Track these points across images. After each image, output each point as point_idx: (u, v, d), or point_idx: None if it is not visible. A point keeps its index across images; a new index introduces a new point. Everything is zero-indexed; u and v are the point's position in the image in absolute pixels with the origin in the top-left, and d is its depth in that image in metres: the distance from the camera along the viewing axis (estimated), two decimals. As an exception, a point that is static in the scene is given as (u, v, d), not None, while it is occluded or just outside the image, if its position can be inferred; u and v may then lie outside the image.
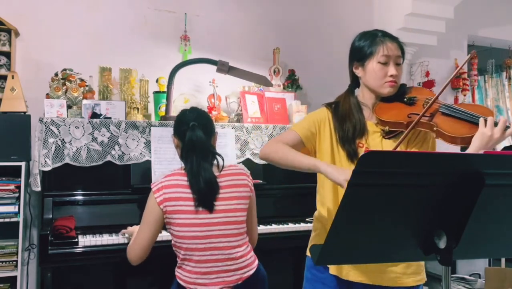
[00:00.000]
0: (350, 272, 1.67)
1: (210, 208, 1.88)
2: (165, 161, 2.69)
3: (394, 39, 1.70)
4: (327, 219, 1.73)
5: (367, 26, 4.14)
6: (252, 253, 2.02)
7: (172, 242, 1.95)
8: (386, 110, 1.69)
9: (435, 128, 1.60)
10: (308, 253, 1.82)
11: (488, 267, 3.47)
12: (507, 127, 1.53)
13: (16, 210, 2.57)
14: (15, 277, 2.59)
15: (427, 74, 4.05)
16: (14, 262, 2.60)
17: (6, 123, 2.58)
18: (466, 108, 1.62)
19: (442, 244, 1.11)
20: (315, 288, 1.76)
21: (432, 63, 4.03)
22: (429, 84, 4.03)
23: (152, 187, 1.93)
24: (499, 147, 5.04)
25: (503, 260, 3.79)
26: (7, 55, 2.83)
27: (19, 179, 2.58)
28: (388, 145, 1.68)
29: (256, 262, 2.00)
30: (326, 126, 1.72)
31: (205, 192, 1.87)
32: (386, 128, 1.68)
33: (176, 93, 3.08)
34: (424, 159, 1.04)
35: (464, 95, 4.33)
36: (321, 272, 1.73)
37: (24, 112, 2.67)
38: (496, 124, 1.53)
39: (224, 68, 2.99)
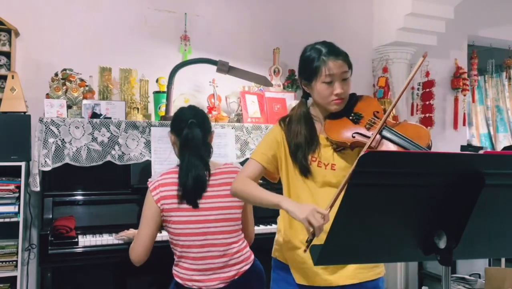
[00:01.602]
0: (315, 278, 1.68)
1: (193, 204, 1.91)
2: (165, 161, 2.68)
3: (338, 55, 1.65)
4: (287, 220, 1.75)
5: (367, 26, 4.13)
6: (248, 248, 2.05)
7: (169, 240, 1.96)
8: (333, 128, 1.69)
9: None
10: (273, 254, 1.85)
11: (488, 267, 3.47)
12: None
13: (16, 210, 2.57)
14: (15, 277, 2.59)
15: (427, 74, 4.05)
16: (14, 262, 2.60)
17: (6, 123, 2.58)
18: (408, 133, 1.60)
19: (442, 244, 1.11)
20: (279, 287, 1.79)
21: (432, 63, 4.03)
22: (429, 84, 4.03)
23: (148, 185, 1.96)
24: (499, 147, 5.05)
25: (503, 260, 3.79)
26: (7, 55, 2.83)
27: (19, 179, 2.58)
28: (340, 158, 1.68)
29: (252, 257, 2.03)
30: (281, 145, 1.73)
31: (190, 189, 1.90)
32: (334, 145, 1.70)
33: (176, 93, 3.08)
34: (424, 159, 1.04)
35: (464, 95, 4.33)
36: (285, 271, 1.76)
37: (24, 112, 2.67)
38: None
39: (224, 68, 2.99)
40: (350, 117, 1.70)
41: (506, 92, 5.12)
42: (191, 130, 1.95)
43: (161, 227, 1.98)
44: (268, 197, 1.61)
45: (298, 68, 1.77)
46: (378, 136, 1.60)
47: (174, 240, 1.94)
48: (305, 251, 1.45)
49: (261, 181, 1.77)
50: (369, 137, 1.61)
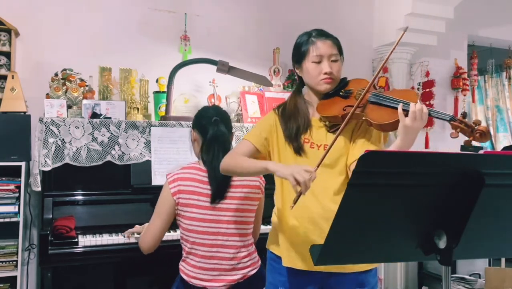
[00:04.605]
0: (303, 263, 1.69)
1: (216, 201, 1.92)
2: (165, 161, 2.69)
3: (327, 37, 1.75)
4: (281, 214, 1.80)
5: (367, 26, 4.12)
6: (256, 253, 2.05)
7: (180, 234, 1.98)
8: (325, 107, 1.75)
9: (363, 118, 1.66)
10: (267, 246, 1.87)
11: (488, 267, 3.47)
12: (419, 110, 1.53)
13: (16, 210, 2.57)
14: (15, 277, 2.59)
15: (427, 74, 4.05)
16: (14, 262, 2.60)
17: (6, 123, 2.58)
18: (395, 95, 1.65)
19: (442, 244, 1.11)
20: (273, 278, 1.81)
21: (432, 63, 4.03)
22: (429, 84, 4.03)
23: (167, 177, 1.96)
24: (499, 147, 5.04)
25: (503, 260, 3.78)
26: (7, 55, 2.82)
27: (19, 179, 2.58)
28: (332, 137, 1.69)
29: (259, 262, 2.04)
30: (273, 130, 1.79)
31: (221, 183, 1.92)
32: (327, 122, 1.74)
33: (176, 93, 3.08)
34: (424, 158, 1.04)
35: (464, 95, 4.33)
36: (277, 262, 1.78)
37: (24, 112, 2.67)
38: (406, 114, 1.53)
39: (224, 68, 2.99)
40: (341, 94, 1.76)
41: (506, 92, 5.11)
42: (218, 127, 1.99)
43: (173, 222, 1.98)
44: (256, 164, 1.68)
45: (292, 55, 1.85)
46: (366, 103, 1.66)
47: (185, 235, 1.95)
48: (291, 207, 1.52)
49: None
50: (359, 107, 1.66)
